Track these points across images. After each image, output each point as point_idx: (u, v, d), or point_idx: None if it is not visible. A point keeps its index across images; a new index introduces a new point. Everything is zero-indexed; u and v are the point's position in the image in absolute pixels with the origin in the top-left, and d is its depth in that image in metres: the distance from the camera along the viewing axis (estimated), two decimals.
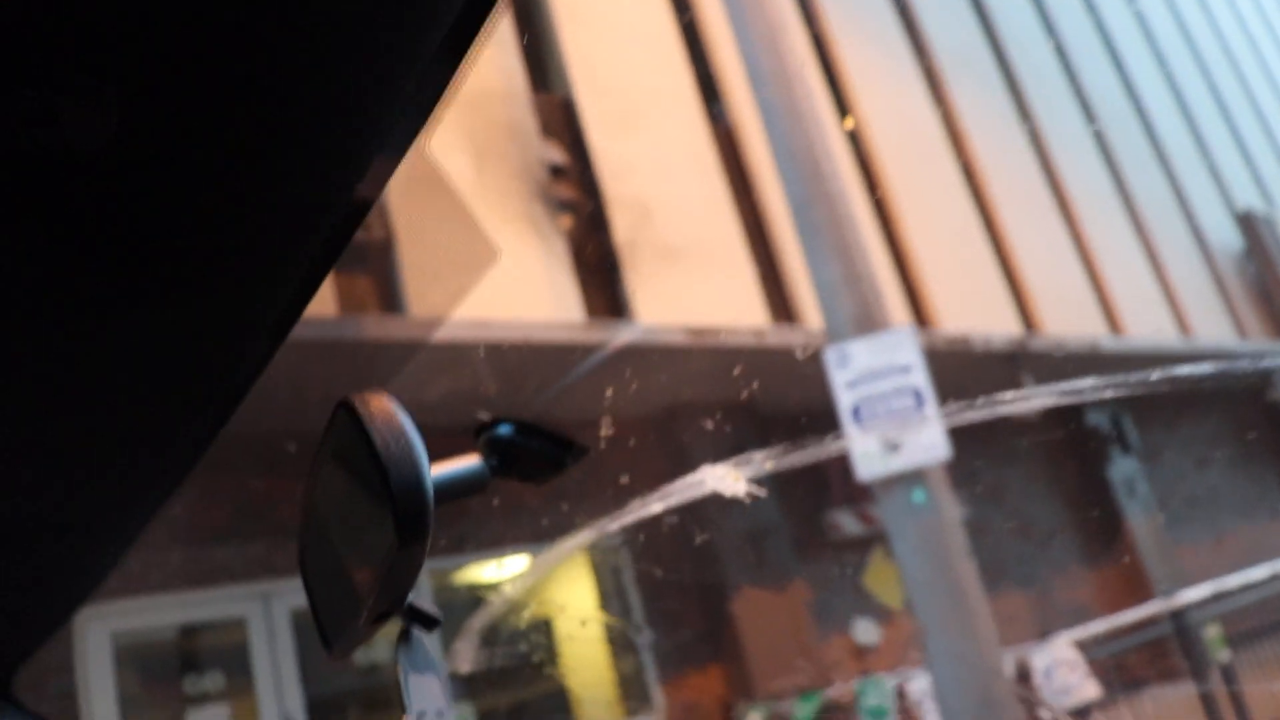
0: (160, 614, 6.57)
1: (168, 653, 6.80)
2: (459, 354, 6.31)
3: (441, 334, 6.25)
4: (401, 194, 6.54)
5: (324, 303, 6.12)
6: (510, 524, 6.70)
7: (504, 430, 0.87)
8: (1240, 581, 9.03)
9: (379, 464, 0.69)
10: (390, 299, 6.62)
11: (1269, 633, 8.79)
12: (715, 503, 7.73)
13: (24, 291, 0.74)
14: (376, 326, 6.48)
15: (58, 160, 0.63)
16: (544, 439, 0.88)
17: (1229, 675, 7.24)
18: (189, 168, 0.68)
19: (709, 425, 7.40)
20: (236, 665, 6.62)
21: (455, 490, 0.82)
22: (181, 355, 0.89)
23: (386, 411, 0.72)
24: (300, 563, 0.89)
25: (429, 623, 0.82)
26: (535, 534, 6.59)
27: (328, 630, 0.85)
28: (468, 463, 0.84)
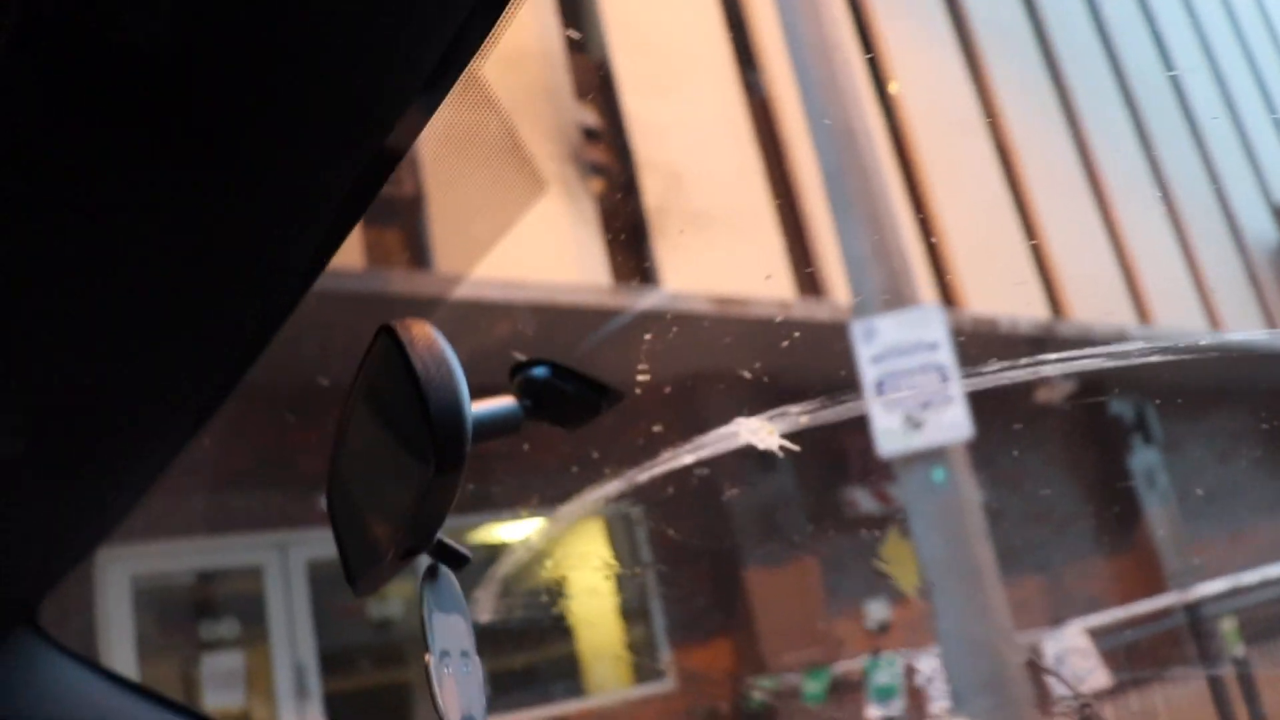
0: (179, 559, 6.64)
1: (185, 598, 6.88)
2: (483, 313, 6.31)
3: (466, 293, 6.24)
4: (436, 150, 6.51)
5: (352, 255, 6.13)
6: (532, 484, 6.72)
7: (540, 371, 0.86)
8: (1258, 578, 8.98)
9: (418, 387, 0.68)
10: (418, 254, 6.62)
11: None
12: (732, 476, 7.73)
13: (66, 202, 0.73)
14: (404, 281, 6.48)
15: (122, 57, 0.62)
16: (580, 382, 0.87)
17: (1243, 669, 7.19)
18: (231, 81, 0.67)
19: (730, 397, 7.40)
20: (252, 613, 6.69)
21: (488, 429, 0.81)
22: (210, 288, 0.88)
23: (428, 337, 0.71)
24: (328, 495, 0.88)
25: (457, 560, 0.81)
26: (558, 495, 6.61)
27: (352, 566, 0.84)
28: (502, 402, 0.83)
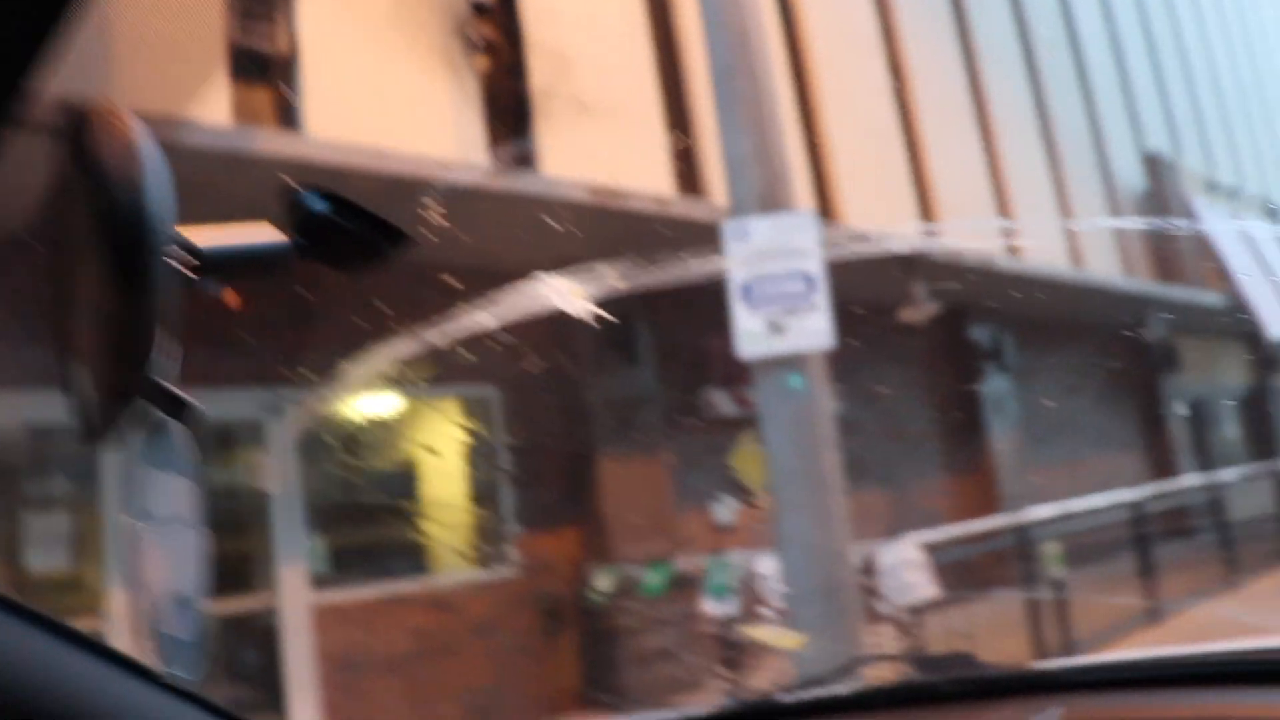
0: (7, 411, 6.32)
1: (9, 454, 6.57)
2: (348, 182, 6.05)
3: (335, 159, 5.97)
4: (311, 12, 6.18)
5: (219, 111, 5.81)
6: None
7: (314, 203, 0.73)
8: (1084, 506, 9.48)
9: (103, 187, 0.55)
10: (288, 116, 6.31)
11: (1101, 556, 9.28)
12: (593, 366, 7.71)
13: None
14: (271, 141, 6.17)
15: None
16: (362, 219, 0.75)
17: (1060, 590, 7.61)
18: None
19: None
20: (84, 473, 6.43)
21: (245, 263, 0.69)
22: None
23: (118, 126, 0.57)
24: (52, 333, 0.75)
25: (177, 408, 0.68)
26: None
27: (79, 412, 0.71)
28: (265, 233, 0.71)
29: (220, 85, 5.88)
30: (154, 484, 0.66)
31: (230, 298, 0.68)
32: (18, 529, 6.10)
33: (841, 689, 1.62)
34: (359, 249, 0.76)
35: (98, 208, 0.55)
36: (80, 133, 0.58)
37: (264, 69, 6.35)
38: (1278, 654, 1.28)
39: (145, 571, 0.63)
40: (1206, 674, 1.29)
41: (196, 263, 0.61)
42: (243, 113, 6.17)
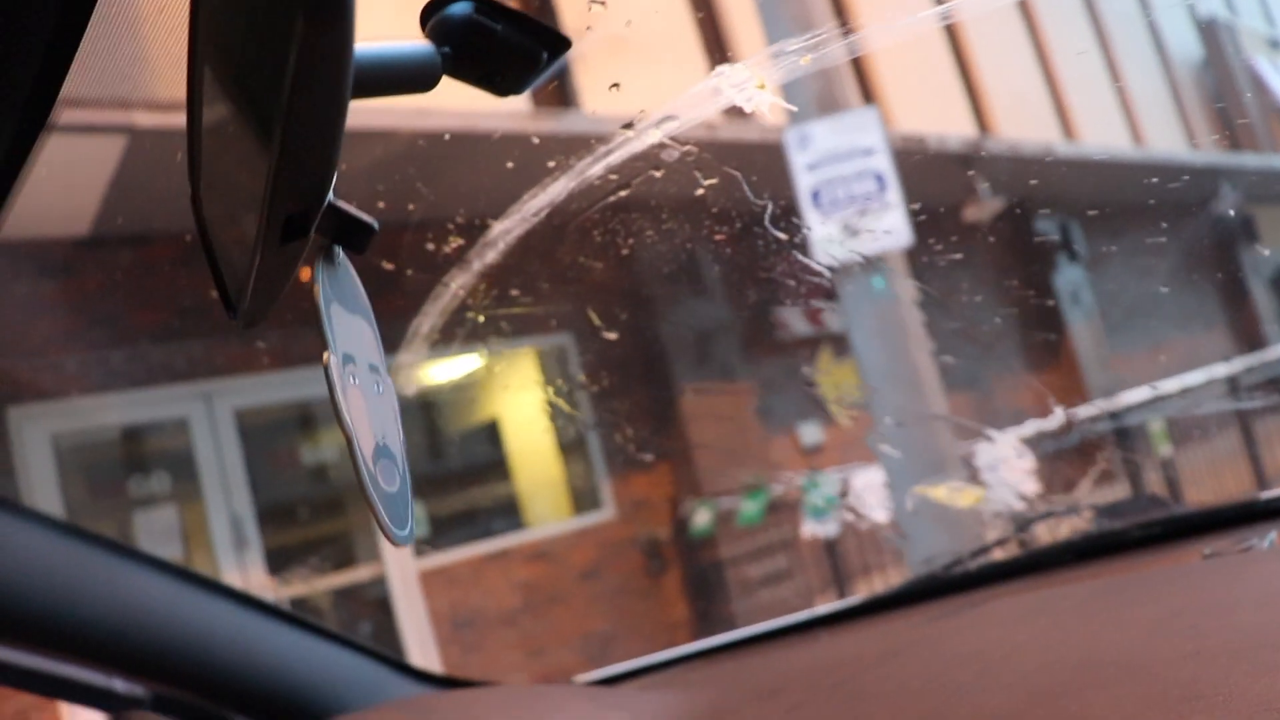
0: (99, 415, 6.42)
1: (111, 455, 6.70)
2: (390, 143, 5.99)
3: (374, 121, 5.90)
4: None
5: None
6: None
7: (459, 8, 0.64)
8: (1177, 386, 9.24)
9: None
10: None
11: (1202, 433, 9.04)
12: (662, 299, 7.63)
13: None
14: None
15: None
16: (514, 23, 0.66)
17: (1169, 469, 7.44)
18: None
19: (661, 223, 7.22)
20: (182, 467, 6.53)
21: (391, 77, 0.61)
22: None
23: None
24: (194, 204, 0.65)
25: (358, 232, 0.59)
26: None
27: (229, 287, 0.61)
28: (411, 45, 0.62)
29: None
30: (341, 321, 0.57)
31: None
32: (126, 527, 6.22)
33: (1013, 553, 1.53)
34: (511, 57, 0.67)
35: None
36: None
37: None
38: None
39: (350, 414, 0.55)
40: None
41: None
42: None
